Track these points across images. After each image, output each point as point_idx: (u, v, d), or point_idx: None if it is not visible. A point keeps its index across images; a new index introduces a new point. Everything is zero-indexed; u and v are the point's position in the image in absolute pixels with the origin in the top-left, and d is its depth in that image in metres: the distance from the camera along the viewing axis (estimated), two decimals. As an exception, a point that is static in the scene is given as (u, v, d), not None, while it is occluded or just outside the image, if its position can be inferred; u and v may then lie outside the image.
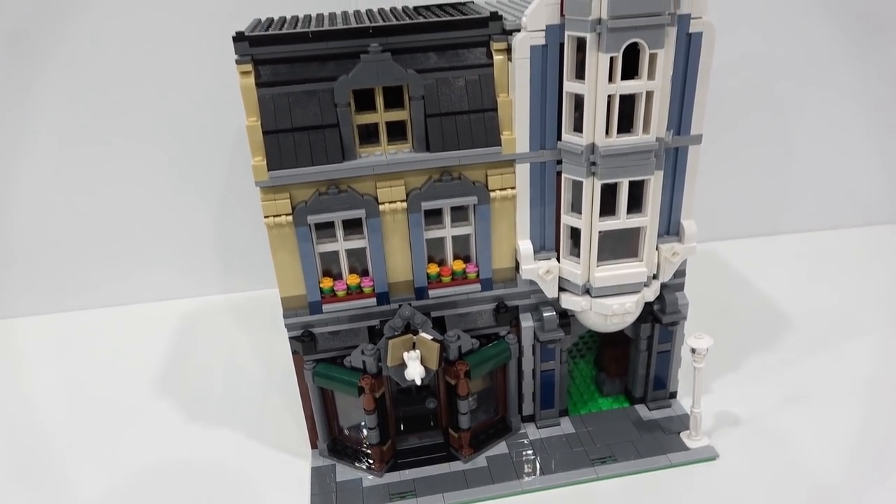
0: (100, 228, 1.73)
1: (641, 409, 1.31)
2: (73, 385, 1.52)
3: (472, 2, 1.25)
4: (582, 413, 1.31)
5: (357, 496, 1.15)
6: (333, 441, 1.23)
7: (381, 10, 1.22)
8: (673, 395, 1.32)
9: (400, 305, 1.11)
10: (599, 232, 1.08)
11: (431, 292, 1.13)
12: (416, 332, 1.09)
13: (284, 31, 1.01)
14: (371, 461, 1.19)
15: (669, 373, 1.29)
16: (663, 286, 1.20)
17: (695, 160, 1.11)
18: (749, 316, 1.62)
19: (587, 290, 1.13)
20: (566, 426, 1.28)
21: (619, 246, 1.11)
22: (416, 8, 1.22)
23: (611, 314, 1.12)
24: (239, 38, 0.98)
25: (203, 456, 1.27)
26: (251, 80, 0.98)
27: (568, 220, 1.10)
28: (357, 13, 1.21)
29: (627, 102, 1.00)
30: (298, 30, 1.00)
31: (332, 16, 1.20)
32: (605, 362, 1.37)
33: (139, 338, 1.67)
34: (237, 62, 0.97)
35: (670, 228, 1.16)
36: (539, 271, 1.12)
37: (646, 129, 1.01)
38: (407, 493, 1.15)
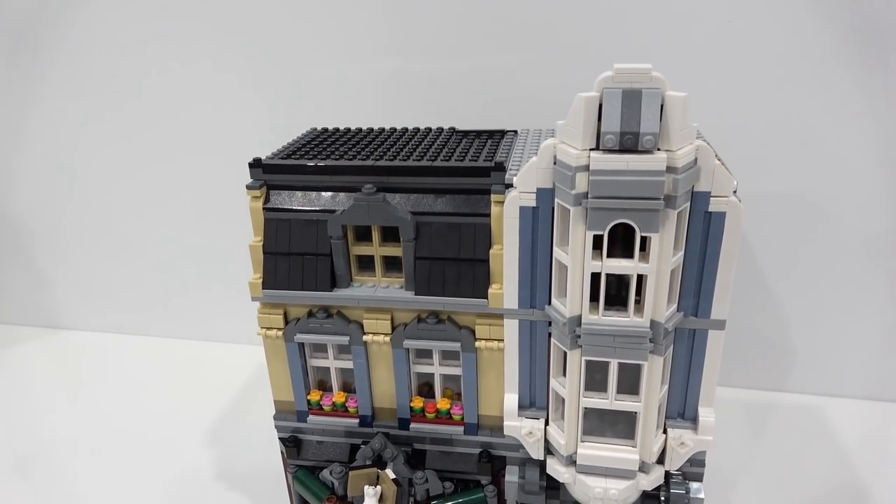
0: (210, 270, 1.95)
1: None
2: (132, 406, 1.71)
3: (516, 132, 1.20)
4: (576, 581, 1.19)
5: None
6: (315, 539, 1.25)
7: (427, 129, 1.23)
8: (685, 591, 1.15)
9: (378, 432, 1.10)
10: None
11: (413, 426, 1.11)
12: (383, 467, 1.08)
13: (297, 160, 1.06)
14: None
15: (679, 567, 1.12)
16: (672, 475, 1.05)
17: (716, 345, 0.96)
18: (831, 494, 1.35)
19: (573, 462, 1.03)
20: (551, 591, 1.17)
21: (612, 424, 1.00)
22: (457, 132, 1.22)
23: (593, 497, 1.01)
24: (255, 164, 1.05)
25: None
26: (259, 203, 1.05)
27: (555, 385, 1.01)
28: (405, 130, 1.24)
29: (622, 278, 0.90)
30: (311, 161, 1.05)
31: (381, 130, 1.24)
32: (620, 528, 1.23)
33: (215, 376, 1.84)
34: (248, 187, 1.05)
35: (685, 412, 1.02)
36: (522, 431, 1.05)
37: (638, 312, 0.90)
38: None
